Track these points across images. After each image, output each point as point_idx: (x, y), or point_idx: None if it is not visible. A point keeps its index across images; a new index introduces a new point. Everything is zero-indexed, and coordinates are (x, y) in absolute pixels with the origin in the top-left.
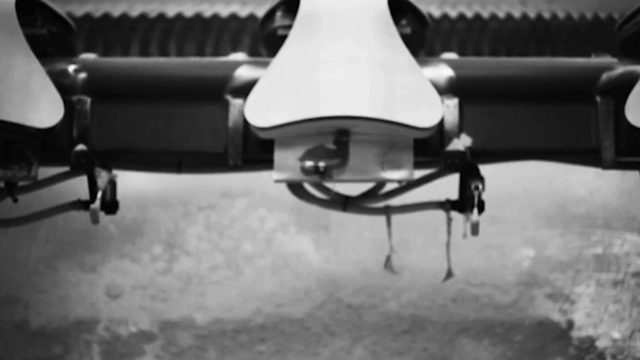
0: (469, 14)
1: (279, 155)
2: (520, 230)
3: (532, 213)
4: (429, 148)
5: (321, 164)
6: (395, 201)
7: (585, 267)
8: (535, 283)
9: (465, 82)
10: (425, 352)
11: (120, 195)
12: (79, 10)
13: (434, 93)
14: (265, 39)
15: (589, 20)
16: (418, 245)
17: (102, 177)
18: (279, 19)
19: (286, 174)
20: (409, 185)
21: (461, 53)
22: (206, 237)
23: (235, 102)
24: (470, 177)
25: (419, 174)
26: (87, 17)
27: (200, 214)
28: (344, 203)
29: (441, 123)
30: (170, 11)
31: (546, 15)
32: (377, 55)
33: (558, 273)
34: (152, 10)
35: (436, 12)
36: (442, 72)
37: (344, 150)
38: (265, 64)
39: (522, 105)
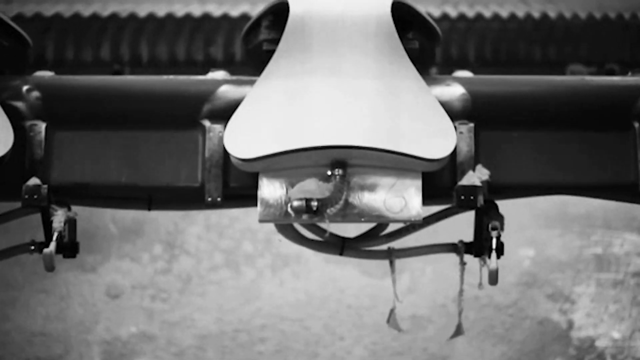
0: (453, 13)
1: (264, 191)
2: (520, 230)
3: (532, 213)
4: (439, 182)
5: (313, 201)
6: (400, 242)
7: (585, 267)
8: (535, 283)
9: (482, 104)
10: (425, 352)
11: None
12: (49, 10)
13: (445, 118)
14: (249, 54)
15: (583, 20)
16: (417, 244)
17: (59, 216)
18: (265, 32)
19: (273, 213)
20: (415, 225)
21: (444, 52)
22: (206, 237)
23: (213, 128)
24: (487, 216)
25: (427, 211)
26: (57, 16)
27: (200, 214)
28: (341, 246)
29: (454, 153)
30: (142, 11)
31: (536, 14)
32: (379, 75)
33: (558, 273)
34: (124, 10)
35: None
36: (455, 92)
37: (340, 185)
38: (249, 84)
39: (548, 132)
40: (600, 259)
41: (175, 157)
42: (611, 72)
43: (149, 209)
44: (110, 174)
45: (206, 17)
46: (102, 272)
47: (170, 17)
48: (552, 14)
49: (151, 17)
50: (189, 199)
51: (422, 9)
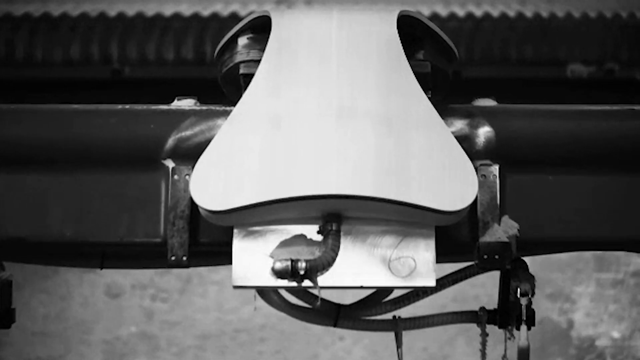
0: (444, 13)
1: (239, 250)
2: None
3: None
4: (456, 237)
5: (301, 263)
6: (406, 309)
7: (585, 267)
8: (536, 283)
9: (509, 141)
10: (425, 352)
11: None
12: (19, 10)
13: (464, 159)
14: (224, 78)
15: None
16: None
17: None
18: (242, 52)
19: (251, 276)
20: (427, 290)
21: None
22: None
23: (178, 170)
24: (515, 278)
25: (440, 269)
26: (27, 16)
27: None
28: (336, 315)
29: (474, 203)
30: (112, 10)
31: (511, 13)
32: (382, 106)
33: (558, 273)
34: (94, 9)
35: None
36: (476, 127)
37: (333, 243)
38: (222, 115)
39: (591, 176)
40: (600, 258)
41: (132, 206)
42: (611, 72)
43: (102, 268)
44: (52, 226)
45: (176, 16)
46: (103, 272)
47: (140, 16)
48: (551, 13)
49: (121, 16)
50: (150, 255)
51: (433, 24)
